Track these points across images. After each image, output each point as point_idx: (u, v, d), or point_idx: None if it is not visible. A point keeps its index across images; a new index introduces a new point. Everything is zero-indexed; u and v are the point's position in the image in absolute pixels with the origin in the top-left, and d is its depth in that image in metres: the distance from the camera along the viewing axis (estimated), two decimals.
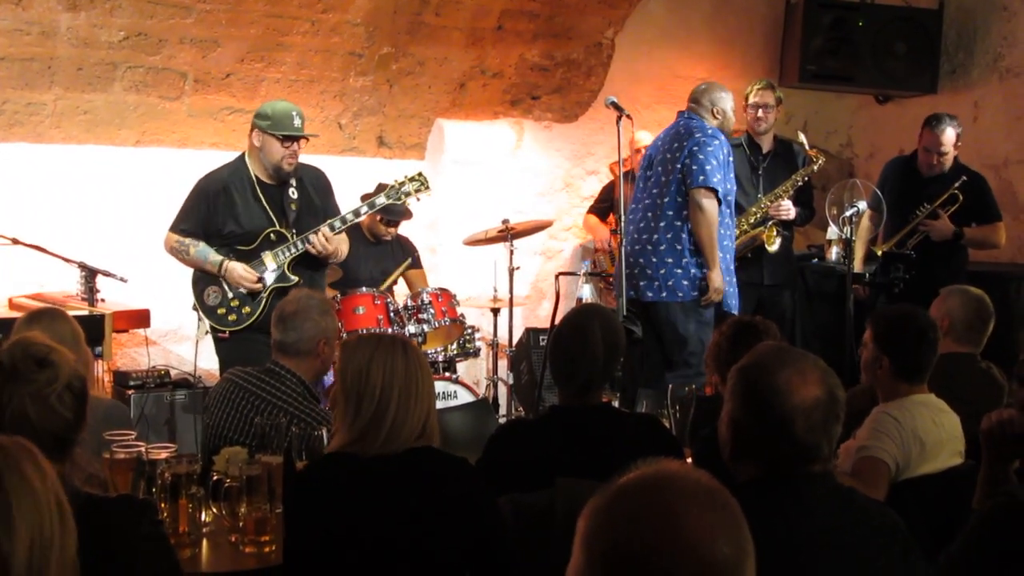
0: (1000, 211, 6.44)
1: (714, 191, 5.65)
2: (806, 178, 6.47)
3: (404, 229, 6.79)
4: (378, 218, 6.38)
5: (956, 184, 6.22)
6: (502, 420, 6.33)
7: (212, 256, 5.11)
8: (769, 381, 2.29)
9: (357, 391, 2.74)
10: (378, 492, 2.68)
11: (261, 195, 5.15)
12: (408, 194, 5.32)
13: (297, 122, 5.12)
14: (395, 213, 6.24)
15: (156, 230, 5.29)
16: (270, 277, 5.11)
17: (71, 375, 2.39)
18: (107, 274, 5.68)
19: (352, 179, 6.61)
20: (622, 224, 5.60)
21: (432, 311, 6.01)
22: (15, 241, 5.73)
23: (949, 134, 6.22)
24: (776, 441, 2.27)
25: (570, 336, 3.45)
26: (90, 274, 5.65)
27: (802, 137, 6.52)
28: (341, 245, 5.28)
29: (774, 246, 6.38)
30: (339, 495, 2.68)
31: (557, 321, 3.74)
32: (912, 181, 6.38)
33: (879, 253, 6.34)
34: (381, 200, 5.34)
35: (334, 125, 7.10)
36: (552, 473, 3.01)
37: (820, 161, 6.45)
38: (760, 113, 6.50)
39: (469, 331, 6.36)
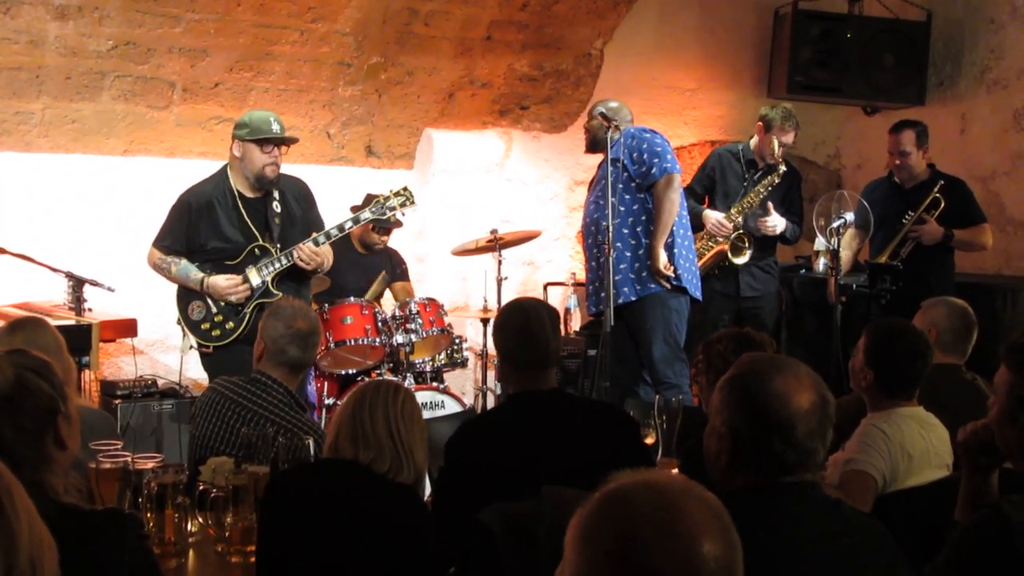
0: (984, 213, 6.47)
1: None
2: (770, 188, 6.45)
3: (394, 238, 6.79)
4: (370, 227, 6.38)
5: (936, 189, 6.25)
6: None
7: (193, 274, 5.09)
8: (767, 387, 2.27)
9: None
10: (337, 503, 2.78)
11: (244, 210, 5.12)
12: (393, 209, 5.31)
13: (276, 127, 5.09)
14: (385, 223, 6.24)
15: (144, 239, 5.28)
16: (255, 286, 5.09)
17: (10, 389, 2.25)
18: (94, 283, 5.66)
19: (341, 189, 6.61)
20: (610, 234, 5.59)
21: (420, 321, 6.01)
22: (1, 250, 5.71)
23: (908, 134, 6.29)
24: (778, 447, 2.25)
25: (520, 318, 3.52)
26: (77, 283, 5.62)
27: (775, 143, 6.45)
28: (327, 256, 5.25)
29: (741, 258, 6.40)
30: (304, 504, 2.78)
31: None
32: (893, 195, 6.41)
33: (879, 262, 6.33)
34: (366, 215, 5.33)
35: (323, 135, 7.10)
36: (517, 459, 3.14)
37: (780, 167, 6.44)
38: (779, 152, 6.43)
39: (457, 341, 6.36)
